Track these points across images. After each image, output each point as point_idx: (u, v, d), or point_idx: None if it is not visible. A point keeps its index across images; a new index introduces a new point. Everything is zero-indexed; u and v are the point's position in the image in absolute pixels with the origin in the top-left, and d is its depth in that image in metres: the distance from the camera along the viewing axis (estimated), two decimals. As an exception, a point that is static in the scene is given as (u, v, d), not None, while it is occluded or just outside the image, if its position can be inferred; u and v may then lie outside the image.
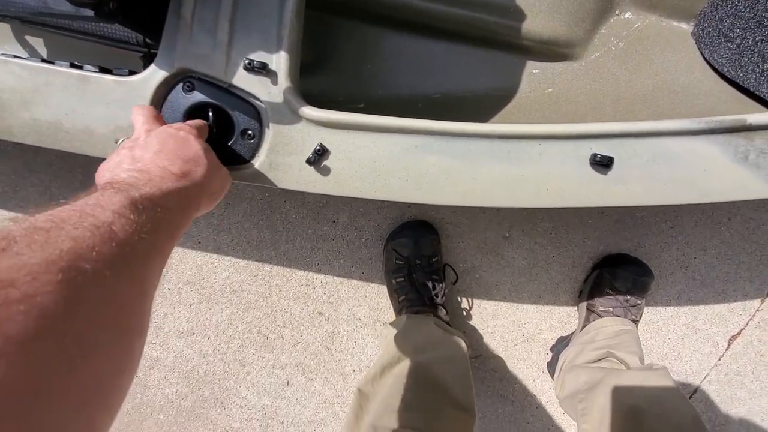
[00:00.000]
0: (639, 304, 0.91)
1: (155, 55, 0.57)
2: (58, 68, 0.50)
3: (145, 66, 0.57)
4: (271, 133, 0.52)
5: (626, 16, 0.86)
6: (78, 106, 0.51)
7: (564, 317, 1.02)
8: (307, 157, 0.52)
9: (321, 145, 0.51)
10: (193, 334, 1.06)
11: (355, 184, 0.53)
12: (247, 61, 0.49)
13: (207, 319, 1.06)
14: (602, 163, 0.50)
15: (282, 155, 0.53)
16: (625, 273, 0.91)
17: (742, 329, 0.98)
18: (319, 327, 1.05)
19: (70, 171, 1.00)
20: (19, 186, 1.02)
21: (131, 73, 0.54)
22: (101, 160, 0.57)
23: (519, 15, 0.81)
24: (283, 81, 0.50)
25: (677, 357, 1.01)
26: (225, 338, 1.06)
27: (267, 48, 0.49)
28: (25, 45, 0.76)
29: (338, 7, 0.77)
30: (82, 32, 0.64)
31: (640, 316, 0.93)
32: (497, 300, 1.03)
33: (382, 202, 0.99)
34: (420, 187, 0.53)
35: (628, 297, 0.90)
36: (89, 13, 0.46)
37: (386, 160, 0.52)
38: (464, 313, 1.04)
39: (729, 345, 0.99)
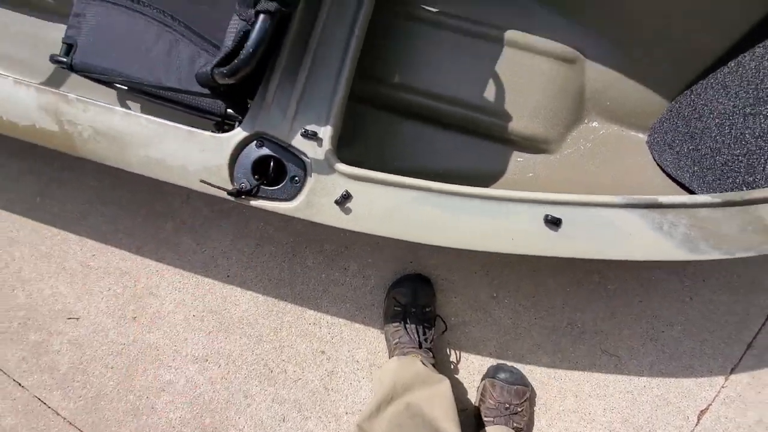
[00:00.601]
0: (520, 411, 1.01)
1: (227, 123, 0.80)
2: (173, 124, 0.72)
3: (219, 130, 0.80)
4: (312, 180, 0.72)
5: (593, 124, 1.09)
6: (181, 150, 0.72)
7: (545, 378, 1.11)
8: (335, 199, 0.71)
9: (347, 191, 0.70)
10: (206, 360, 1.17)
11: (368, 223, 0.71)
12: (303, 130, 0.70)
13: (221, 347, 1.17)
14: (553, 222, 0.68)
15: (317, 197, 0.72)
16: (501, 383, 1.02)
17: (709, 404, 1.05)
18: (320, 365, 1.15)
19: (136, 209, 1.21)
20: (90, 214, 1.22)
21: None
22: (184, 189, 0.77)
23: (507, 117, 1.05)
24: (327, 145, 0.71)
25: (651, 429, 1.07)
26: (234, 368, 1.17)
27: (319, 122, 0.71)
28: (125, 107, 1.02)
29: (369, 100, 1.02)
30: (176, 102, 0.88)
31: (525, 422, 1.02)
32: (484, 355, 1.13)
33: (390, 254, 1.16)
34: (417, 230, 0.71)
35: (508, 405, 1.00)
36: (206, 91, 0.70)
37: (394, 207, 0.71)
38: (452, 366, 1.14)
39: (698, 420, 1.05)
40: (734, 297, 1.10)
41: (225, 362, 1.17)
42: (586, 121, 1.09)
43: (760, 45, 0.77)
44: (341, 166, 0.71)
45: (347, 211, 0.71)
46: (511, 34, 1.01)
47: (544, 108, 1.05)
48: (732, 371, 1.06)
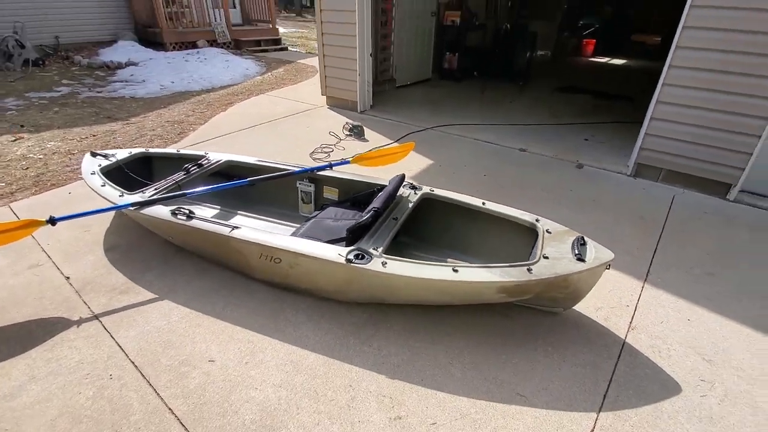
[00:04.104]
0: None
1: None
2: (333, 246, 2.20)
3: (347, 244, 2.24)
4: (373, 259, 2.08)
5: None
6: (332, 251, 2.15)
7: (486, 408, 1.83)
8: (381, 262, 2.05)
9: (385, 261, 2.06)
10: (280, 386, 1.95)
11: (391, 271, 2.01)
12: (374, 247, 2.15)
13: (290, 380, 1.98)
14: (455, 269, 1.98)
15: (373, 263, 2.05)
16: None
17: (594, 424, 1.73)
18: (346, 393, 1.91)
19: (269, 315, 2.36)
20: (248, 318, 2.36)
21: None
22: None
23: (451, 286, 2.43)
24: (381, 251, 2.13)
25: (554, 434, 1.69)
26: (294, 392, 1.92)
27: (378, 246, 2.16)
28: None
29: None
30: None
31: None
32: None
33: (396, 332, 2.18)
34: (406, 273, 2.00)
35: None
36: (344, 235, 2.23)
37: (400, 267, 2.03)
38: (430, 401, 1.89)
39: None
40: (584, 369, 2.00)
41: (290, 388, 1.95)
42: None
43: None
44: (384, 255, 2.10)
45: (386, 267, 2.03)
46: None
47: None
48: (600, 410, 1.81)
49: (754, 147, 3.24)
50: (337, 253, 2.12)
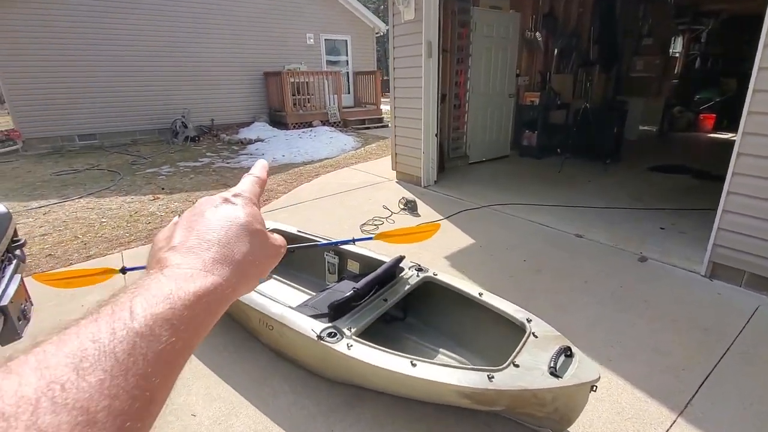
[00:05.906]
0: None
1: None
2: (313, 320, 2.31)
3: (329, 320, 2.33)
4: (344, 339, 2.12)
5: (478, 398, 2.22)
6: (311, 324, 2.26)
7: None
8: (347, 345, 2.07)
9: (352, 342, 2.07)
10: (237, 454, 2.03)
11: (355, 354, 2.02)
12: (348, 328, 2.19)
13: (249, 450, 2.04)
14: (413, 363, 1.90)
15: (341, 343, 2.09)
16: None
17: None
18: (292, 478, 1.89)
19: (259, 386, 2.52)
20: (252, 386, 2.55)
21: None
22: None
23: (434, 379, 2.30)
24: (353, 333, 2.15)
25: None
26: (247, 463, 1.98)
27: (353, 328, 2.20)
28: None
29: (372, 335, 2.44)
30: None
31: None
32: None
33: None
34: (366, 358, 1.98)
35: None
36: (326, 311, 2.32)
37: (365, 351, 2.02)
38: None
39: None
40: None
41: (245, 459, 2.00)
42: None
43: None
44: (354, 337, 2.12)
45: (350, 350, 2.05)
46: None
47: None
48: None
49: None
50: (311, 327, 2.22)
